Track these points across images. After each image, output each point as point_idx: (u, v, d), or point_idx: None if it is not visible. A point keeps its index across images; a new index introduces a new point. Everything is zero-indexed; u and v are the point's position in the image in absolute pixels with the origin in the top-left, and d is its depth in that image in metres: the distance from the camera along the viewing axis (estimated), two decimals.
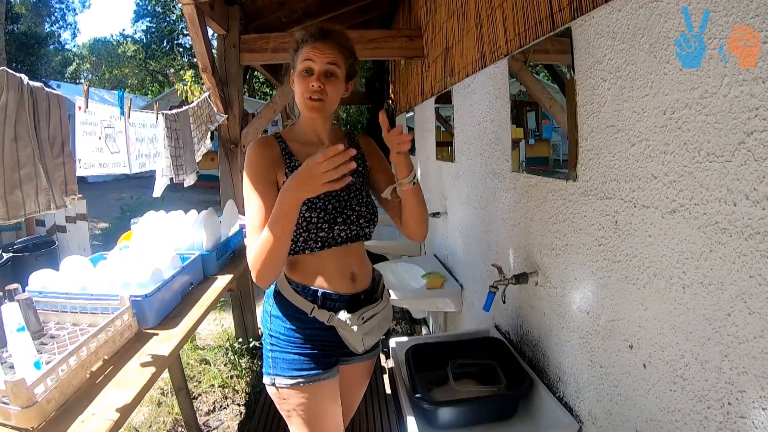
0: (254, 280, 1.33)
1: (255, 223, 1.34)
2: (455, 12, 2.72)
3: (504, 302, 1.84)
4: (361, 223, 1.48)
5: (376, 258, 5.75)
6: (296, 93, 1.43)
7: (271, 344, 1.49)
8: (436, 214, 3.31)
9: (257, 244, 1.30)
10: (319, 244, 1.42)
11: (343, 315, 1.44)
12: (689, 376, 1.00)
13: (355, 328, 1.45)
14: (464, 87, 2.59)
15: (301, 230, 1.39)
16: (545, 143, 1.75)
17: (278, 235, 1.27)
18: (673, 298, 1.03)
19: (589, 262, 1.38)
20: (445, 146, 3.18)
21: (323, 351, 1.48)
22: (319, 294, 1.45)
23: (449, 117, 2.97)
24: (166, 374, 2.78)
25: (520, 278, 1.76)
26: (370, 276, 1.56)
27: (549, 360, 1.68)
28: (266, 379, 1.49)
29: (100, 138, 2.17)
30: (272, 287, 1.54)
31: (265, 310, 1.54)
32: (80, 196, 1.94)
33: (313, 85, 1.37)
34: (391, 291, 2.71)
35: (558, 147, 1.64)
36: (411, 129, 4.63)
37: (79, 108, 2.05)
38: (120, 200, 9.69)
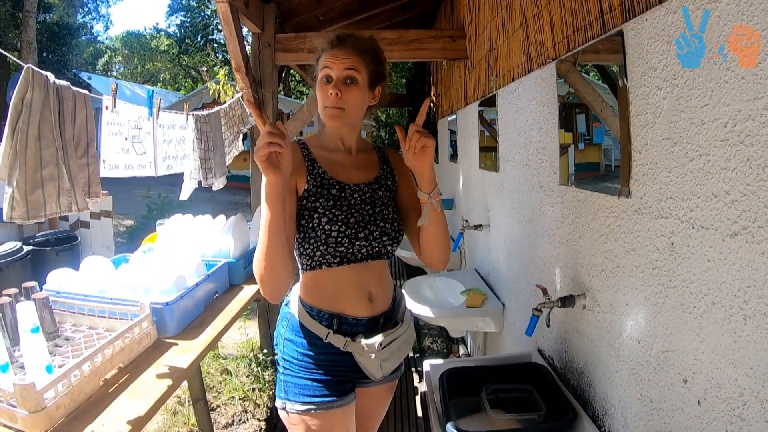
0: (262, 293, 1.36)
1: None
2: (500, 11, 2.72)
3: (548, 326, 1.82)
4: (384, 240, 1.47)
5: (414, 271, 5.77)
6: (318, 102, 1.45)
7: (284, 368, 1.50)
8: (478, 227, 3.30)
9: (256, 251, 1.32)
10: (338, 259, 1.42)
11: (360, 341, 1.44)
12: (748, 417, 0.97)
13: (372, 355, 1.44)
14: (509, 92, 2.58)
15: (320, 243, 1.39)
16: (596, 148, 1.72)
17: (265, 228, 1.27)
18: (732, 330, 1.00)
19: (641, 286, 1.35)
20: (488, 152, 3.17)
21: (339, 377, 1.48)
22: (335, 318, 1.45)
23: (493, 120, 2.96)
24: (183, 382, 2.84)
25: (567, 301, 1.74)
26: (389, 296, 1.55)
27: (595, 391, 1.65)
28: (278, 403, 1.50)
29: (126, 139, 2.25)
30: (286, 309, 1.55)
31: (278, 332, 1.55)
32: (105, 192, 2.02)
33: (330, 93, 1.38)
34: (427, 308, 2.72)
35: (610, 152, 1.60)
36: (453, 133, 4.62)
37: (106, 108, 2.12)
38: (147, 198, 9.94)
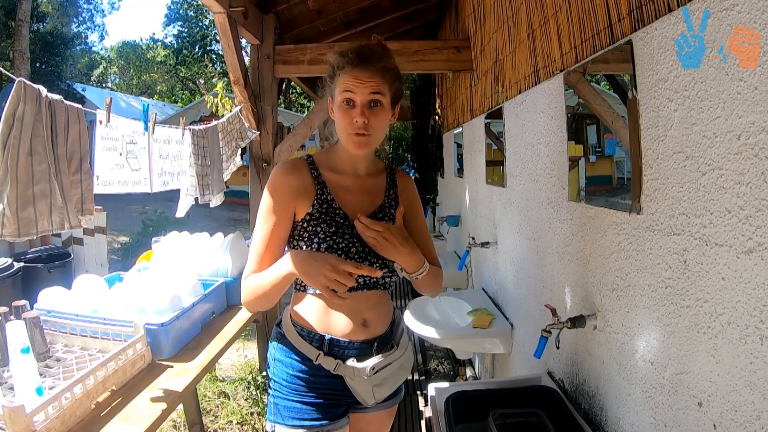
0: (243, 305, 1.43)
1: (258, 251, 1.43)
2: (506, 21, 2.75)
3: (558, 348, 1.81)
4: (384, 272, 1.45)
5: (417, 291, 5.71)
6: (338, 126, 1.43)
7: (274, 389, 1.49)
8: (485, 244, 3.30)
9: (254, 281, 1.40)
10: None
11: (351, 364, 1.43)
12: None
13: (364, 379, 1.43)
14: (516, 104, 2.60)
15: None
16: (608, 160, 1.72)
17: (269, 289, 1.38)
18: (749, 351, 1.00)
19: (654, 305, 1.35)
20: (495, 166, 3.18)
21: (330, 400, 1.47)
22: (325, 340, 1.44)
23: (500, 133, 2.97)
24: (179, 406, 2.83)
25: (577, 322, 1.73)
26: (387, 320, 1.54)
27: (607, 415, 1.63)
28: (268, 426, 1.50)
29: (120, 154, 2.26)
30: (277, 329, 1.55)
31: (269, 353, 1.55)
32: (99, 207, 2.03)
33: (356, 121, 1.36)
34: (433, 329, 2.71)
35: (622, 164, 1.60)
36: (459, 146, 4.64)
37: (100, 122, 2.14)
38: (143, 214, 10.00)
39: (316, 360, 1.43)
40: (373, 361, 1.44)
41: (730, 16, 0.99)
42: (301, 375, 1.45)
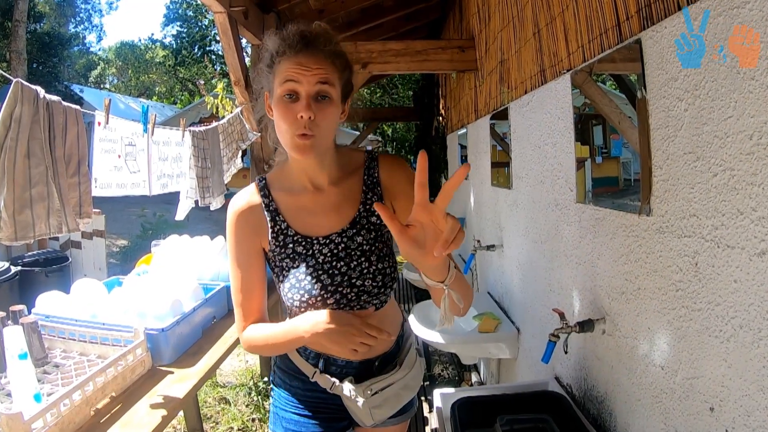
0: (243, 347, 1.34)
1: (241, 301, 1.30)
2: (511, 20, 2.76)
3: (566, 352, 1.81)
4: (363, 299, 1.30)
5: (423, 294, 5.74)
6: (278, 127, 1.20)
7: (275, 398, 1.46)
8: (491, 247, 3.30)
9: (260, 338, 1.28)
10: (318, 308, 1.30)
11: (347, 386, 1.34)
12: None
13: (360, 401, 1.33)
14: (522, 104, 2.60)
15: (291, 306, 1.30)
16: (614, 161, 1.72)
17: (282, 347, 1.32)
18: (762, 355, 1.00)
19: (664, 309, 1.35)
20: (500, 167, 3.19)
21: (330, 414, 1.41)
22: (321, 358, 1.36)
23: (506, 134, 2.97)
24: (180, 412, 2.84)
25: (585, 326, 1.73)
26: (392, 336, 1.34)
27: (616, 420, 1.63)
28: None
29: (119, 156, 2.26)
30: None
31: (273, 360, 1.50)
32: (98, 210, 2.02)
33: (302, 116, 1.13)
34: (437, 333, 2.71)
35: (629, 165, 1.60)
36: (463, 147, 4.65)
37: (99, 124, 2.14)
38: (142, 217, 10.03)
39: (312, 377, 1.36)
40: (372, 382, 1.36)
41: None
42: (298, 389, 1.41)
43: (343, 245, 1.29)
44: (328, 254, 1.28)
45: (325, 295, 1.26)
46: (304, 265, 1.28)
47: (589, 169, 1.86)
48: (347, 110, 1.28)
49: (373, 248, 1.31)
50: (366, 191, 1.32)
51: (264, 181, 1.34)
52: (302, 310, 1.27)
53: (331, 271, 1.28)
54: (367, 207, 1.31)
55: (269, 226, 1.29)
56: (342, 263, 1.28)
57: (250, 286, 1.30)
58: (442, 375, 4.28)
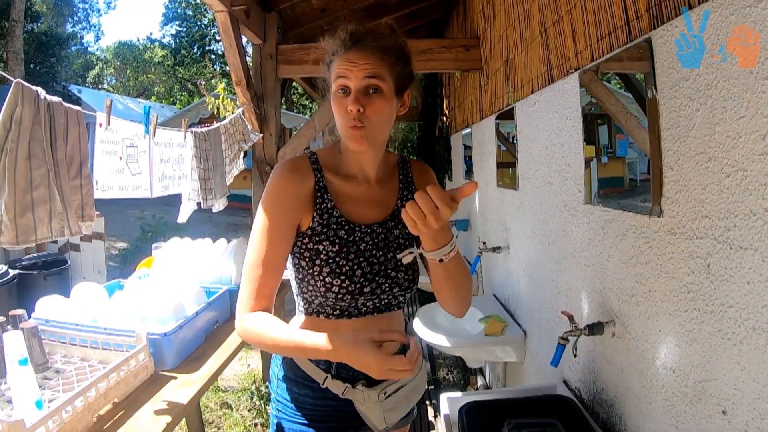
0: (237, 333, 1.28)
1: (256, 276, 1.25)
2: (517, 18, 2.76)
3: (575, 355, 1.81)
4: (395, 292, 1.36)
5: (427, 297, 5.73)
6: (336, 121, 1.28)
7: (278, 410, 1.44)
8: (496, 249, 3.30)
9: (264, 333, 1.20)
10: (337, 312, 1.33)
11: (360, 388, 1.34)
12: None
13: (375, 404, 1.34)
14: (529, 104, 2.61)
15: (318, 294, 1.30)
16: (619, 161, 1.73)
17: (286, 351, 1.26)
18: None
19: (676, 311, 1.35)
20: (506, 168, 3.19)
21: (338, 423, 1.40)
22: (333, 363, 1.34)
23: (511, 135, 2.98)
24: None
25: (595, 328, 1.73)
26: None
27: (626, 424, 1.63)
28: None
29: (120, 158, 2.27)
30: None
31: (272, 371, 1.47)
32: (97, 213, 2.02)
33: (350, 110, 1.20)
34: (443, 336, 2.71)
35: (634, 165, 1.61)
36: (468, 148, 4.65)
37: (100, 125, 2.14)
38: (141, 219, 10.03)
39: (323, 383, 1.35)
40: (385, 384, 1.35)
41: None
42: (306, 397, 1.39)
43: (383, 236, 1.35)
44: (370, 242, 1.33)
45: (364, 283, 1.30)
46: (346, 249, 1.30)
47: (594, 169, 1.86)
48: (408, 102, 1.36)
49: (407, 243, 1.38)
50: (402, 189, 1.42)
51: (315, 156, 1.36)
52: (339, 296, 1.28)
53: (371, 260, 1.32)
54: (404, 203, 1.29)
55: (317, 202, 1.30)
56: (381, 253, 1.34)
57: (272, 263, 1.25)
58: (447, 379, 4.28)
